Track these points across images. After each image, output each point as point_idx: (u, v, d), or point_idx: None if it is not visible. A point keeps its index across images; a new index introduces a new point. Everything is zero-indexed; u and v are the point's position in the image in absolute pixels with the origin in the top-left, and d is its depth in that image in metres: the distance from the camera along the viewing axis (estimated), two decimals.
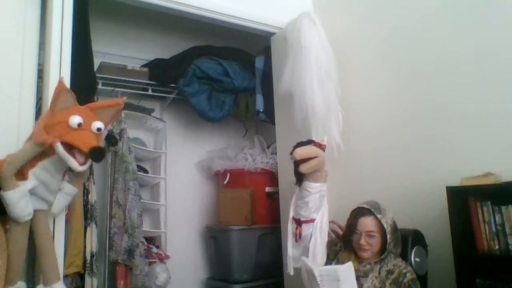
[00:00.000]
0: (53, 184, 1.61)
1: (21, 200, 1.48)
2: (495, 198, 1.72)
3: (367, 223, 1.73)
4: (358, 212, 1.78)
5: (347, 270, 1.62)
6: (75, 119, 1.49)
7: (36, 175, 1.53)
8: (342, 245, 1.88)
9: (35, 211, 1.56)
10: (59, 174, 1.62)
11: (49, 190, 1.60)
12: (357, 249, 1.76)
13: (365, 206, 1.77)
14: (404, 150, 2.22)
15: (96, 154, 1.50)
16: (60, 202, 1.67)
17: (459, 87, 2.00)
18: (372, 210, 1.74)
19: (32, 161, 1.53)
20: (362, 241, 1.72)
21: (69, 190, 1.69)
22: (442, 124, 2.06)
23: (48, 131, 1.49)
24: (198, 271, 3.28)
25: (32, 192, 1.54)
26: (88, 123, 1.53)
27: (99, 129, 1.56)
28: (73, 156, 1.50)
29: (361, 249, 1.74)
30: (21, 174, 1.51)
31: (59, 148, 1.47)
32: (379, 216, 1.72)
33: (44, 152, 1.53)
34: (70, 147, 1.49)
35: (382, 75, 2.40)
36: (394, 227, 1.75)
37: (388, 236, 1.70)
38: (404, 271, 1.67)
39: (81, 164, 1.51)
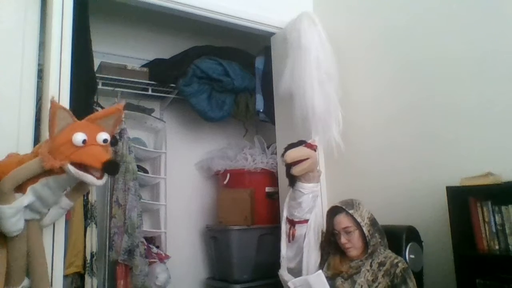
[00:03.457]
0: (51, 200, 1.57)
1: (14, 216, 1.43)
2: (495, 198, 1.72)
3: (340, 221, 1.76)
4: (332, 212, 1.81)
5: (317, 278, 1.69)
6: (79, 137, 1.42)
7: (36, 191, 1.48)
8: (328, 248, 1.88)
9: (27, 220, 1.51)
10: (61, 190, 1.58)
11: (45, 204, 1.56)
12: (343, 249, 1.77)
13: (337, 204, 1.80)
14: (404, 149, 2.22)
15: (109, 168, 1.44)
16: (53, 215, 1.63)
17: (459, 87, 2.00)
18: (343, 207, 1.76)
19: (33, 177, 1.47)
20: (343, 240, 1.74)
21: (65, 204, 1.65)
22: (442, 124, 2.06)
23: (54, 155, 1.43)
24: (198, 271, 3.28)
25: (27, 206, 1.48)
26: (92, 137, 1.47)
27: (105, 141, 1.49)
28: (88, 172, 1.44)
29: (345, 248, 1.75)
30: (19, 187, 1.46)
31: (71, 169, 1.41)
32: (350, 211, 1.74)
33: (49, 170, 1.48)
34: (82, 165, 1.43)
35: (382, 74, 2.40)
36: (372, 220, 1.76)
37: (365, 229, 1.71)
38: (396, 261, 1.68)
39: (99, 178, 1.46)
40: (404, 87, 2.27)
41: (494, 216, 1.71)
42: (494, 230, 1.71)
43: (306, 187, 1.81)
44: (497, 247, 1.69)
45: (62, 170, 1.44)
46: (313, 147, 1.83)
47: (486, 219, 1.73)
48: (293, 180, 1.84)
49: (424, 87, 2.16)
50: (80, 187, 1.67)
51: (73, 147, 1.42)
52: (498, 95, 1.85)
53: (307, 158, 1.77)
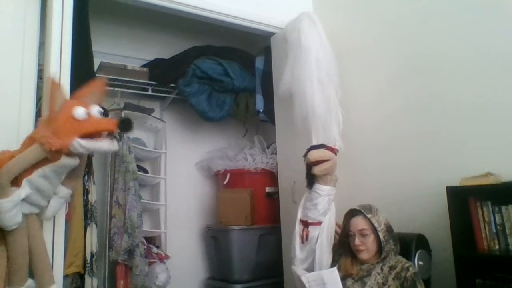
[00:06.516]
0: (49, 190, 1.56)
1: (12, 209, 1.42)
2: (495, 198, 1.72)
3: (357, 223, 1.78)
4: (349, 214, 1.83)
5: (331, 274, 1.72)
6: (81, 110, 1.42)
7: (32, 182, 1.46)
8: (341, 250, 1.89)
9: (26, 214, 1.51)
10: (58, 179, 1.57)
11: (43, 196, 1.55)
12: (355, 251, 1.78)
13: (356, 207, 1.82)
14: (404, 149, 2.22)
15: (125, 125, 1.45)
16: (54, 206, 1.62)
17: (459, 87, 2.00)
18: (362, 210, 1.78)
19: (28, 169, 1.46)
20: (357, 241, 1.75)
21: (64, 193, 1.64)
22: (442, 124, 2.05)
23: (58, 135, 1.42)
24: (198, 271, 3.28)
25: (24, 199, 1.47)
26: (89, 111, 1.48)
27: (101, 112, 1.50)
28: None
29: (358, 250, 1.76)
30: (14, 180, 1.45)
31: (82, 142, 1.41)
32: (368, 215, 1.76)
33: (44, 159, 1.47)
34: (92, 136, 1.43)
35: (382, 74, 2.40)
36: (388, 226, 1.78)
37: (381, 234, 1.73)
38: (407, 265, 1.70)
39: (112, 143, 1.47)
40: (404, 87, 2.27)
41: (494, 216, 1.71)
42: (494, 230, 1.71)
43: (323, 189, 1.86)
44: (497, 247, 1.69)
45: (58, 157, 1.43)
46: (334, 151, 1.90)
47: (486, 219, 1.73)
48: (311, 181, 1.88)
49: (424, 86, 2.16)
50: (74, 173, 1.65)
51: (77, 122, 1.42)
52: (499, 94, 1.85)
53: (329, 160, 1.83)
